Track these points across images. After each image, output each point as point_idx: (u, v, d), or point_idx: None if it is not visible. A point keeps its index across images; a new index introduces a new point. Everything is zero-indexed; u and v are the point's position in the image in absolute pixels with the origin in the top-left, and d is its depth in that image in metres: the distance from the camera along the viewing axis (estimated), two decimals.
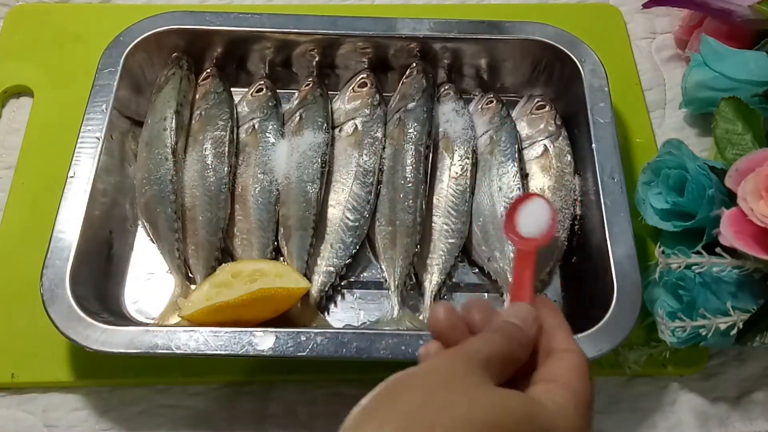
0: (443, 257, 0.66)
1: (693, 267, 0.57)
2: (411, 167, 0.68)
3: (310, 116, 0.71)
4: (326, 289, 0.65)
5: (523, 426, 0.35)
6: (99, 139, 0.65)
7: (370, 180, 0.68)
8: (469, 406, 0.34)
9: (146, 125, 0.70)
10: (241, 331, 0.56)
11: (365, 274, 0.68)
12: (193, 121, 0.71)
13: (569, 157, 0.70)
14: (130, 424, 0.61)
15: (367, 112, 0.72)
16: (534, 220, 0.55)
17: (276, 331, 0.56)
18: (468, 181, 0.68)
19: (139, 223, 0.68)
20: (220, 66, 0.75)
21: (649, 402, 0.64)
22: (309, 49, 0.74)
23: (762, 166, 0.56)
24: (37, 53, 0.80)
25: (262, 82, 0.74)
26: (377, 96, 0.73)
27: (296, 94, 0.75)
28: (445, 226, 0.67)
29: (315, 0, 0.87)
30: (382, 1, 0.88)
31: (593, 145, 0.66)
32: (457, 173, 0.69)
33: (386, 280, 0.65)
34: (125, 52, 0.70)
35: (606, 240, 0.61)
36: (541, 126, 0.73)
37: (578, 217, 0.68)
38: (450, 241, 0.67)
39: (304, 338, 0.56)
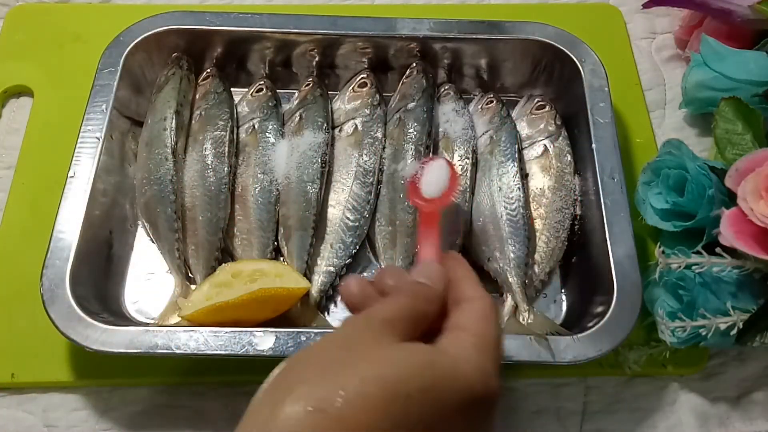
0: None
1: (693, 267, 0.57)
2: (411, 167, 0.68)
3: (310, 116, 0.71)
4: (326, 289, 0.65)
5: (425, 374, 0.36)
6: (99, 139, 0.65)
7: (370, 180, 0.68)
8: (368, 365, 0.36)
9: (146, 125, 0.70)
10: (241, 331, 0.56)
11: (365, 274, 0.68)
12: (193, 121, 0.71)
13: (569, 157, 0.70)
14: (130, 424, 0.61)
15: (367, 112, 0.72)
16: (436, 182, 0.58)
17: (276, 331, 0.56)
18: (468, 181, 0.68)
19: (139, 223, 0.68)
20: (220, 66, 0.75)
21: (649, 402, 0.64)
22: (309, 49, 0.74)
23: (762, 166, 0.56)
24: (37, 53, 0.80)
25: (262, 82, 0.74)
26: (377, 96, 0.73)
27: (296, 94, 0.75)
28: (446, 226, 0.67)
29: (315, 0, 0.87)
30: (382, 1, 0.88)
31: (593, 145, 0.66)
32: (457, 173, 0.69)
33: None
34: (125, 52, 0.70)
35: (606, 240, 0.61)
36: (541, 126, 0.73)
37: (578, 217, 0.68)
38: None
39: (304, 338, 0.56)
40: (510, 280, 0.64)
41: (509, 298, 0.64)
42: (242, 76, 0.77)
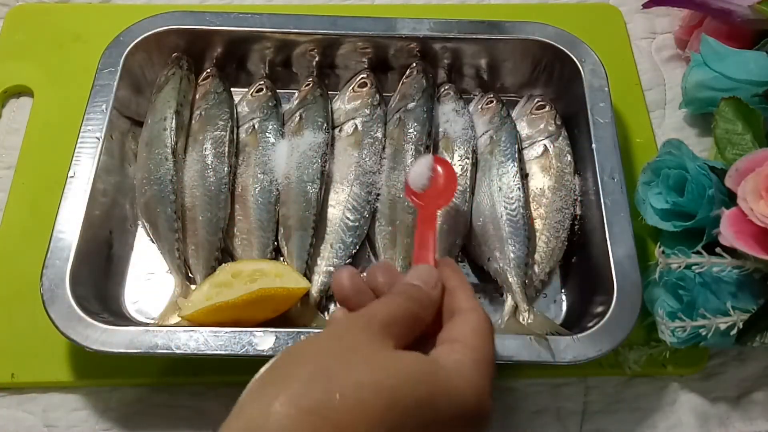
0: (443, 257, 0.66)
1: (693, 267, 0.57)
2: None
3: (310, 116, 0.71)
4: (326, 289, 0.65)
5: (422, 386, 0.36)
6: (99, 139, 0.65)
7: (370, 180, 0.68)
8: (367, 371, 0.35)
9: (146, 125, 0.70)
10: (241, 331, 0.56)
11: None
12: (193, 121, 0.71)
13: (569, 157, 0.70)
14: (130, 424, 0.61)
15: (367, 112, 0.72)
16: (419, 175, 0.59)
17: (276, 331, 0.56)
18: (468, 181, 0.68)
19: (139, 223, 0.68)
20: (220, 66, 0.75)
21: (649, 402, 0.64)
22: (309, 49, 0.74)
23: (762, 166, 0.56)
24: (37, 53, 0.80)
25: (262, 82, 0.74)
26: (377, 96, 0.73)
27: (296, 94, 0.75)
28: (445, 226, 0.67)
29: (315, 0, 0.87)
30: (382, 1, 0.88)
31: (593, 145, 0.66)
32: (457, 173, 0.69)
33: None
34: (125, 52, 0.70)
35: (606, 240, 0.61)
36: (541, 126, 0.73)
37: (578, 217, 0.68)
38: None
39: (304, 338, 0.56)
40: (510, 280, 0.64)
41: (509, 298, 0.64)
42: (242, 76, 0.77)
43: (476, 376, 0.39)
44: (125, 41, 0.71)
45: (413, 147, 0.69)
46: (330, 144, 0.70)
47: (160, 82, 0.72)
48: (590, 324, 0.58)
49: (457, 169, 0.69)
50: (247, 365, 0.62)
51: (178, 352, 0.55)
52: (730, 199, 0.59)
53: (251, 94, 0.74)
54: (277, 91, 0.75)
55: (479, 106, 0.75)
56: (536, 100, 0.74)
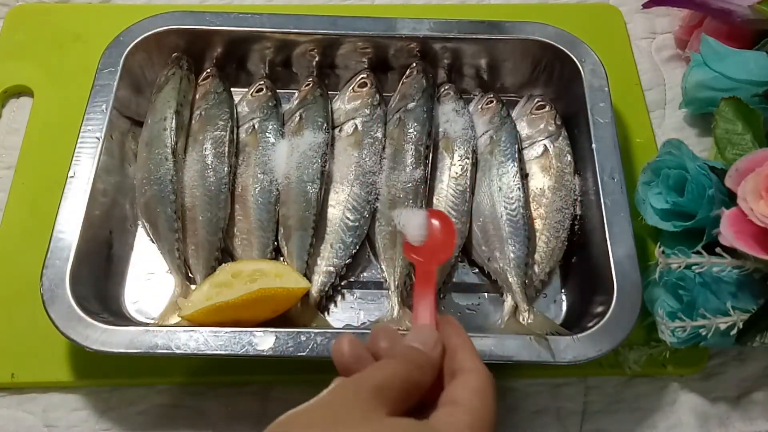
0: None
1: (693, 267, 0.57)
2: (411, 167, 0.68)
3: (310, 116, 0.71)
4: (326, 289, 0.65)
5: None
6: (99, 139, 0.65)
7: (370, 180, 0.68)
8: None
9: (146, 125, 0.70)
10: (241, 331, 0.56)
11: (365, 274, 0.68)
12: (193, 121, 0.71)
13: (569, 157, 0.70)
14: (130, 424, 0.61)
15: (367, 112, 0.72)
16: (413, 228, 0.60)
17: (276, 331, 0.56)
18: (468, 181, 0.68)
19: (139, 223, 0.68)
20: (220, 66, 0.75)
21: (649, 402, 0.64)
22: (309, 49, 0.74)
23: (762, 166, 0.56)
24: (37, 53, 0.80)
25: (262, 82, 0.74)
26: (377, 96, 0.73)
27: (296, 94, 0.75)
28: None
29: (315, 0, 0.87)
30: (382, 1, 0.88)
31: (593, 145, 0.66)
32: (457, 173, 0.69)
33: (386, 280, 0.65)
34: (125, 52, 0.70)
35: (606, 240, 0.61)
36: (541, 126, 0.73)
37: (578, 217, 0.68)
38: None
39: (304, 338, 0.56)
40: (510, 280, 0.64)
41: (509, 298, 0.64)
42: (242, 76, 0.77)
43: None
44: (125, 41, 0.71)
45: (413, 147, 0.69)
46: (330, 144, 0.70)
47: (160, 82, 0.72)
48: (590, 324, 0.58)
49: (458, 169, 0.69)
50: (247, 365, 0.63)
51: (178, 352, 0.55)
52: (730, 199, 0.59)
53: (251, 94, 0.74)
54: (277, 91, 0.75)
55: (479, 106, 0.75)
56: (536, 100, 0.74)
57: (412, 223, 0.61)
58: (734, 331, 0.55)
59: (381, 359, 0.41)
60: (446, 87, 0.75)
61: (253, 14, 0.74)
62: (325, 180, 0.68)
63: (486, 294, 0.67)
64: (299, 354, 0.55)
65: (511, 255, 0.64)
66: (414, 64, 0.74)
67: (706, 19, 0.79)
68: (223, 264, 0.64)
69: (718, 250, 0.57)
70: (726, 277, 0.57)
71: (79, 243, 0.60)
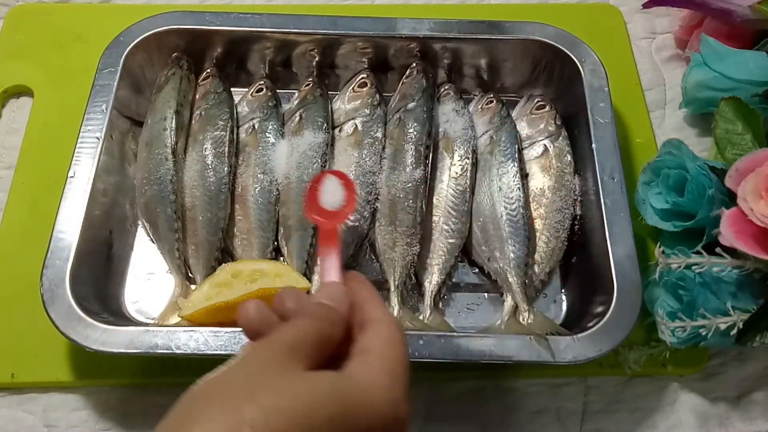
0: (443, 257, 0.66)
1: (693, 267, 0.57)
2: (411, 167, 0.68)
3: (310, 116, 0.71)
4: None
5: (332, 404, 0.35)
6: (99, 139, 0.65)
7: (370, 180, 0.68)
8: (275, 398, 0.34)
9: (146, 125, 0.70)
10: (241, 331, 0.56)
11: (365, 274, 0.68)
12: (193, 121, 0.71)
13: (569, 157, 0.70)
14: (130, 424, 0.61)
15: (367, 112, 0.72)
16: (334, 197, 0.58)
17: None
18: (468, 181, 0.68)
19: (139, 223, 0.68)
20: (220, 66, 0.75)
21: (649, 402, 0.64)
22: (309, 49, 0.74)
23: (762, 166, 0.56)
24: (37, 53, 0.80)
25: (262, 82, 0.74)
26: (377, 96, 0.73)
27: (296, 94, 0.75)
28: (445, 226, 0.67)
29: (315, 0, 0.87)
30: (382, 1, 0.88)
31: (593, 145, 0.66)
32: (457, 173, 0.69)
33: (386, 280, 0.65)
34: (125, 52, 0.70)
35: (606, 240, 0.61)
36: (541, 126, 0.73)
37: (578, 217, 0.68)
38: (450, 241, 0.67)
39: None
40: (510, 280, 0.64)
41: (509, 298, 0.64)
42: (242, 76, 0.77)
43: (389, 382, 0.38)
44: (125, 41, 0.71)
45: (413, 147, 0.69)
46: (330, 144, 0.70)
47: (160, 82, 0.72)
48: (590, 324, 0.58)
49: (458, 169, 0.69)
50: None
51: (178, 352, 0.55)
52: (730, 199, 0.59)
53: (251, 94, 0.74)
54: (277, 91, 0.75)
55: (479, 106, 0.75)
56: (536, 100, 0.74)
57: (329, 189, 0.59)
58: (734, 331, 0.55)
59: (289, 320, 0.41)
60: (446, 87, 0.75)
61: (253, 14, 0.74)
62: None
63: (486, 294, 0.67)
64: None
65: (511, 255, 0.65)
66: (414, 64, 0.74)
67: (706, 19, 0.79)
68: (223, 264, 0.64)
69: (718, 250, 0.57)
70: (726, 277, 0.57)
71: (79, 243, 0.60)
